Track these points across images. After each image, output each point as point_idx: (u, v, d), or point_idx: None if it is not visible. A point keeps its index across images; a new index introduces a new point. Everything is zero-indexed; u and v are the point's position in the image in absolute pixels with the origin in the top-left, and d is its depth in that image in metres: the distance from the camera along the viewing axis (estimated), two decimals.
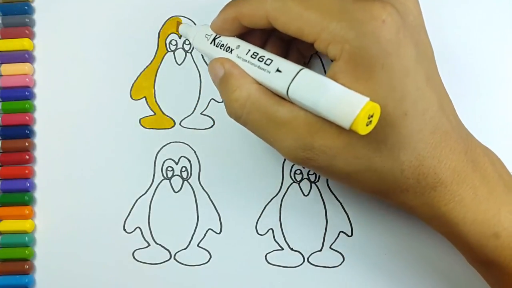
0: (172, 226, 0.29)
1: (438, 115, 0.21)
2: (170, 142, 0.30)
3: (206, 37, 0.25)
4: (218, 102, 0.30)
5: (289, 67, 0.21)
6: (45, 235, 0.30)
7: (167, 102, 0.30)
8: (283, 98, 0.22)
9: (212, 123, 0.30)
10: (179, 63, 0.30)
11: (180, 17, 0.30)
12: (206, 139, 0.30)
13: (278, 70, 0.21)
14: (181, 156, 0.30)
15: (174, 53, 0.30)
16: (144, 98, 0.30)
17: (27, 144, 0.29)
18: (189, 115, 0.30)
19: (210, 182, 0.29)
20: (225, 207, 0.29)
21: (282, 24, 0.21)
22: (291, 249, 0.29)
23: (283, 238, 0.29)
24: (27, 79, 0.30)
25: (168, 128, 0.30)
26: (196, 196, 0.29)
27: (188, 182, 0.29)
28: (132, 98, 0.30)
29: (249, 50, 0.23)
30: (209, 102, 0.30)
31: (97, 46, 0.30)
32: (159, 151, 0.30)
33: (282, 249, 0.29)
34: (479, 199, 0.22)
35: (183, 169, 0.29)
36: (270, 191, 0.29)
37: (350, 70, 0.20)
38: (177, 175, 0.29)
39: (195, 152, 0.30)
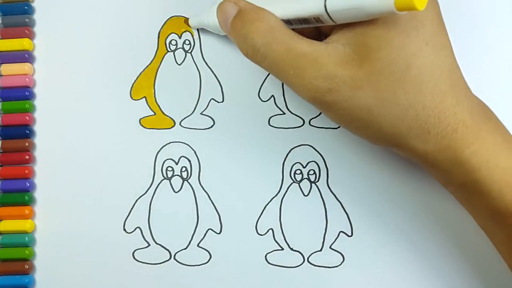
0: (172, 226, 0.29)
1: (452, 55, 0.22)
2: (170, 142, 0.30)
3: None
4: (218, 102, 0.30)
5: None
6: (45, 235, 0.30)
7: (167, 102, 0.30)
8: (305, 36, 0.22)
9: (212, 123, 0.30)
10: (179, 63, 0.30)
11: (180, 17, 0.30)
12: (206, 139, 0.30)
13: None
14: (181, 156, 0.30)
15: (174, 53, 0.30)
16: (144, 98, 0.30)
17: (27, 144, 0.29)
18: (189, 115, 0.30)
19: (210, 182, 0.29)
20: (225, 207, 0.29)
21: None
22: (291, 249, 0.29)
23: (283, 238, 0.29)
24: (27, 79, 0.30)
25: (168, 128, 0.30)
26: (196, 196, 0.29)
27: (188, 182, 0.29)
28: (132, 98, 0.30)
29: None
30: (209, 102, 0.30)
31: (97, 46, 0.30)
32: (159, 151, 0.30)
33: (282, 249, 0.29)
34: (499, 146, 0.22)
35: (183, 169, 0.29)
36: (270, 191, 0.29)
37: None
38: (177, 175, 0.29)
39: (195, 152, 0.30)
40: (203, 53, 0.30)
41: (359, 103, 0.21)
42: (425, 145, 0.22)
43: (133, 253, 0.29)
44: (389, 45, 0.20)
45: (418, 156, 0.23)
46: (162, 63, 0.30)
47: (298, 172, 0.29)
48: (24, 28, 0.30)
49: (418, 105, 0.21)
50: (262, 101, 0.30)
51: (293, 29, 0.23)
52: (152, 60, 0.30)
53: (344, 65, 0.21)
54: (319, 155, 0.29)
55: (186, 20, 0.30)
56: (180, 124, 0.30)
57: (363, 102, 0.21)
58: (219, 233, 0.29)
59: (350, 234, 0.29)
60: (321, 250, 0.29)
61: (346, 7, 0.20)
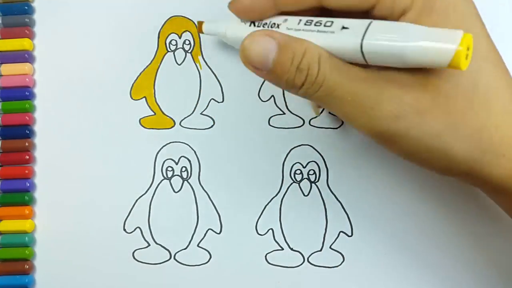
0: (172, 226, 0.29)
1: (507, 71, 0.20)
2: (170, 142, 0.30)
3: (242, 22, 0.23)
4: (218, 102, 0.30)
5: (357, 22, 0.19)
6: (45, 235, 0.30)
7: (167, 102, 0.30)
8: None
9: (212, 123, 0.30)
10: (179, 63, 0.30)
11: (180, 17, 0.30)
12: (206, 139, 0.30)
13: (344, 27, 0.19)
14: (181, 156, 0.30)
15: (174, 53, 0.30)
16: (144, 98, 0.30)
17: (27, 144, 0.29)
18: (189, 115, 0.30)
19: (210, 182, 0.29)
20: (225, 207, 0.29)
21: None
22: (291, 249, 0.29)
23: (283, 238, 0.29)
24: (27, 79, 0.30)
25: (168, 128, 0.30)
26: (196, 196, 0.29)
27: (188, 182, 0.29)
28: (132, 98, 0.30)
29: (300, 20, 0.21)
30: (209, 102, 0.30)
31: (97, 46, 0.30)
32: (159, 151, 0.30)
33: (282, 249, 0.29)
34: None
35: (183, 169, 0.29)
36: (270, 191, 0.29)
37: (424, 18, 0.19)
38: (177, 175, 0.29)
39: (195, 152, 0.30)
40: (203, 53, 0.30)
41: (428, 129, 0.19)
42: (500, 169, 0.20)
43: (133, 253, 0.29)
44: (444, 72, 0.19)
45: (491, 183, 0.21)
46: (162, 63, 0.30)
47: (298, 172, 0.29)
48: (24, 28, 0.30)
49: (490, 126, 0.19)
50: (262, 101, 0.30)
51: None
52: (152, 60, 0.30)
53: (407, 89, 0.19)
54: (319, 155, 0.29)
55: (200, 23, 0.27)
56: (180, 124, 0.30)
57: (432, 128, 0.19)
58: (219, 233, 0.29)
59: (350, 234, 0.29)
60: (321, 250, 0.29)
61: (385, 52, 0.18)
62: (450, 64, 0.17)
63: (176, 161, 0.30)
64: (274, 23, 0.21)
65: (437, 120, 0.19)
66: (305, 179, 0.29)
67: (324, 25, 0.20)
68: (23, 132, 0.30)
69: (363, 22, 0.19)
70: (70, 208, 0.29)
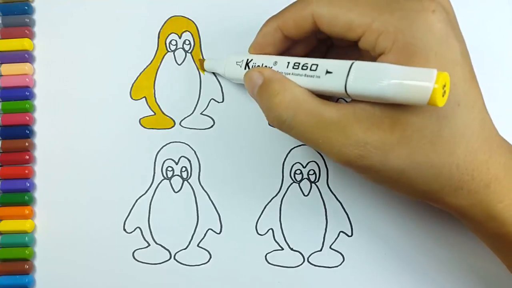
0: (172, 226, 0.29)
1: (484, 109, 0.22)
2: (170, 142, 0.30)
3: (237, 64, 0.25)
4: (218, 102, 0.30)
5: (339, 64, 0.21)
6: (45, 235, 0.30)
7: (167, 102, 0.30)
8: (327, 99, 0.22)
9: (212, 123, 0.30)
10: (179, 63, 0.30)
11: (180, 17, 0.30)
12: (206, 139, 0.30)
13: (328, 72, 0.21)
14: (181, 156, 0.30)
15: (174, 53, 0.30)
16: (144, 98, 0.30)
17: (27, 144, 0.29)
18: (189, 115, 0.30)
19: (210, 182, 0.29)
20: (225, 207, 0.29)
21: (330, 20, 0.21)
22: (291, 249, 0.29)
23: (283, 238, 0.29)
24: (27, 79, 0.30)
25: (168, 128, 0.30)
26: (196, 196, 0.29)
27: (188, 182, 0.29)
28: (132, 98, 0.30)
29: (289, 62, 0.23)
30: (209, 102, 0.30)
31: (97, 46, 0.30)
32: (159, 151, 0.30)
33: (282, 249, 0.29)
34: None
35: (183, 169, 0.29)
36: (270, 191, 0.29)
37: (403, 61, 0.20)
38: (177, 175, 0.29)
39: (195, 152, 0.30)
40: (203, 53, 0.30)
41: (391, 166, 0.21)
42: (458, 200, 0.22)
43: (133, 253, 0.29)
44: (421, 108, 0.20)
45: (451, 210, 0.23)
46: (162, 63, 0.30)
47: (298, 172, 0.29)
48: (24, 28, 0.30)
49: (451, 165, 0.21)
50: None
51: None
52: (152, 60, 0.30)
53: (374, 130, 0.20)
54: (319, 155, 0.29)
55: (202, 61, 0.29)
56: (180, 124, 0.30)
57: (395, 165, 0.21)
58: (219, 233, 0.29)
59: (350, 234, 0.29)
60: (321, 250, 0.29)
61: (367, 93, 0.20)
62: (429, 102, 0.18)
63: (176, 161, 0.30)
64: (265, 66, 0.24)
65: (400, 158, 0.21)
66: (305, 179, 0.29)
67: (310, 69, 0.22)
68: (23, 132, 0.30)
69: (345, 64, 0.20)
70: (70, 208, 0.29)
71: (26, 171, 0.29)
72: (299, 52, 0.26)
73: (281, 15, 0.23)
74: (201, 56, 0.30)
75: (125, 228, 0.29)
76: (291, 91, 0.22)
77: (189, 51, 0.30)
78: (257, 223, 0.29)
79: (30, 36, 0.30)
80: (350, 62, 0.20)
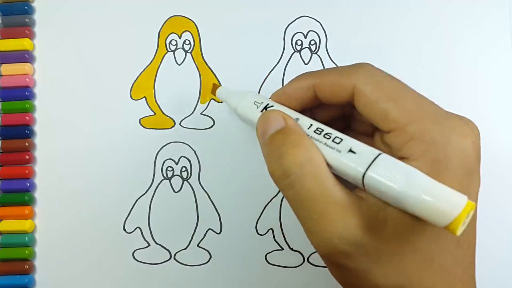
0: (172, 226, 0.29)
1: (474, 252, 0.21)
2: (170, 142, 0.30)
3: (255, 104, 0.23)
4: (218, 102, 0.30)
5: (365, 149, 0.19)
6: (45, 235, 0.30)
7: (167, 102, 0.30)
8: (341, 180, 0.20)
9: (212, 123, 0.30)
10: (179, 63, 0.30)
11: (180, 17, 0.30)
12: (206, 139, 0.30)
13: (351, 151, 0.19)
14: (181, 156, 0.30)
15: (174, 53, 0.30)
16: (144, 98, 0.30)
17: (27, 144, 0.29)
18: (189, 115, 0.30)
19: (210, 182, 0.29)
20: (225, 207, 0.29)
21: (368, 101, 0.20)
22: (291, 249, 0.29)
23: (283, 238, 0.29)
24: (27, 79, 0.30)
25: (168, 128, 0.30)
26: (196, 196, 0.29)
27: (188, 182, 0.29)
28: (132, 98, 0.30)
29: (311, 124, 0.21)
30: (209, 102, 0.30)
31: (97, 46, 0.30)
32: (159, 151, 0.30)
33: (282, 249, 0.29)
34: None
35: (183, 169, 0.29)
36: (270, 191, 0.29)
37: (428, 174, 0.18)
38: (177, 175, 0.29)
39: (195, 152, 0.30)
40: (203, 53, 0.30)
41: (370, 279, 0.19)
42: None
43: (133, 253, 0.29)
44: (424, 233, 0.19)
45: None
46: (162, 63, 0.30)
47: None
48: (24, 28, 0.30)
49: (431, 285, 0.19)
50: None
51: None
52: (152, 60, 0.30)
53: (373, 231, 0.18)
54: None
55: (216, 86, 0.28)
56: (180, 124, 0.30)
57: (375, 281, 0.19)
58: (219, 233, 0.29)
59: None
60: None
61: (385, 190, 0.18)
62: (449, 226, 0.17)
63: (176, 161, 0.30)
64: None
65: (382, 275, 0.19)
66: None
67: (333, 140, 0.20)
68: (23, 132, 0.30)
69: (372, 152, 0.18)
70: (70, 208, 0.29)
71: (26, 171, 0.29)
72: (320, 116, 0.24)
73: (320, 75, 0.22)
74: (201, 56, 0.30)
75: (125, 228, 0.29)
76: (310, 152, 0.20)
77: (189, 51, 0.30)
78: (257, 223, 0.29)
79: (30, 36, 0.30)
80: (378, 152, 0.18)
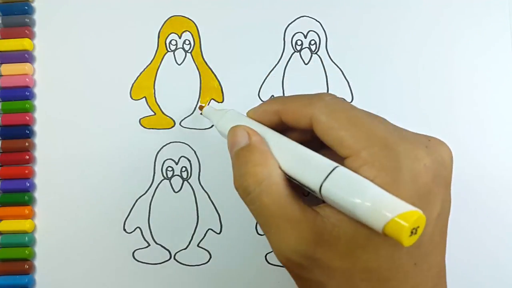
0: (172, 226, 0.29)
1: (442, 274, 0.21)
2: (170, 142, 0.30)
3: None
4: (218, 102, 0.30)
5: (323, 163, 0.20)
6: (45, 235, 0.30)
7: (167, 102, 0.30)
8: (300, 195, 0.21)
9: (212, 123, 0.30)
10: (179, 63, 0.30)
11: (180, 17, 0.30)
12: (206, 139, 0.30)
13: (312, 164, 0.20)
14: (181, 156, 0.30)
15: (174, 53, 0.30)
16: (144, 98, 0.30)
17: (27, 144, 0.29)
18: (189, 115, 0.30)
19: (210, 182, 0.29)
20: (225, 207, 0.29)
21: (324, 129, 0.21)
22: None
23: None
24: (27, 79, 0.30)
25: (168, 128, 0.30)
26: (196, 196, 0.29)
27: (188, 182, 0.29)
28: (132, 98, 0.30)
29: (278, 139, 0.22)
30: (209, 102, 0.30)
31: (97, 46, 0.30)
32: (159, 151, 0.30)
33: None
34: None
35: (183, 169, 0.29)
36: None
37: (392, 187, 0.19)
38: (177, 175, 0.29)
39: (195, 152, 0.30)
40: (203, 53, 0.30)
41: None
42: None
43: (133, 253, 0.29)
44: (376, 252, 0.19)
45: None
46: (162, 63, 0.30)
47: None
48: (24, 28, 0.30)
49: None
50: (262, 101, 0.29)
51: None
52: (152, 60, 0.30)
53: (326, 247, 0.19)
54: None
55: (202, 107, 0.28)
56: (180, 124, 0.30)
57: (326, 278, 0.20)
58: (219, 233, 0.29)
59: None
60: None
61: (338, 200, 0.19)
62: (389, 233, 0.17)
63: (176, 161, 0.30)
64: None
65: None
66: None
67: (297, 155, 0.21)
68: (23, 132, 0.30)
69: (328, 165, 0.19)
70: (70, 208, 0.29)
71: (26, 171, 0.29)
72: (294, 137, 0.24)
73: (285, 102, 0.23)
74: (201, 56, 0.30)
75: (125, 228, 0.29)
76: (269, 170, 0.21)
77: (189, 51, 0.30)
78: (257, 223, 0.29)
79: (30, 36, 0.30)
80: (334, 165, 0.19)
